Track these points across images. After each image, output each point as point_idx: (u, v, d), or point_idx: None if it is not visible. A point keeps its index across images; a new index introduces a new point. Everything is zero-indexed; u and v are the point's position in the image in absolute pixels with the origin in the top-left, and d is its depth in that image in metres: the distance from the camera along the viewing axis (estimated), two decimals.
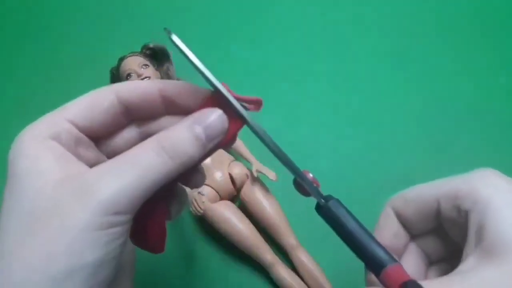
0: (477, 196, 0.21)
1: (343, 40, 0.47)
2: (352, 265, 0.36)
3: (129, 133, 0.23)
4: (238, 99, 0.21)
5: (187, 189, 0.36)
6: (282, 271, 0.34)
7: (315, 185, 0.23)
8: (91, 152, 0.22)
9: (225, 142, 0.21)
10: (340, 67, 0.45)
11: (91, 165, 0.20)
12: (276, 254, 0.35)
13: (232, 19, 0.48)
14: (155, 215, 0.22)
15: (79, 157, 0.20)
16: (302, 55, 0.46)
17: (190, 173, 0.22)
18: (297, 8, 0.49)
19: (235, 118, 0.21)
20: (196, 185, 0.23)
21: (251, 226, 0.35)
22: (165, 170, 0.19)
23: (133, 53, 0.41)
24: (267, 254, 0.35)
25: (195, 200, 0.35)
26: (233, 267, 0.36)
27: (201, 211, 0.35)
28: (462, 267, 0.20)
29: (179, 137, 0.19)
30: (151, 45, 0.40)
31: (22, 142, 0.19)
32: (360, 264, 0.37)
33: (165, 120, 0.23)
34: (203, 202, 0.35)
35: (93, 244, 0.17)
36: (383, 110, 0.43)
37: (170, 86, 0.22)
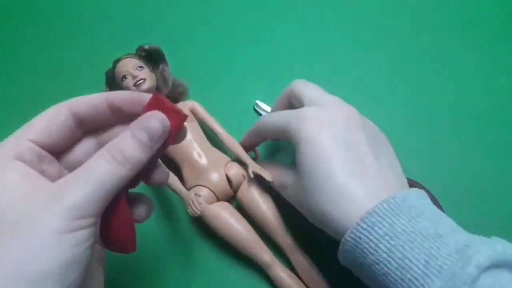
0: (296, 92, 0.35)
1: (343, 40, 0.47)
2: None
3: (87, 145, 0.26)
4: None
5: (185, 190, 0.36)
6: (280, 271, 0.34)
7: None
8: (54, 167, 0.24)
9: (173, 139, 0.23)
10: (340, 68, 0.45)
11: (55, 179, 0.22)
12: (274, 254, 0.35)
13: (232, 19, 0.48)
14: (118, 214, 0.23)
15: (43, 173, 0.23)
16: (302, 55, 0.46)
17: (149, 171, 0.24)
18: (297, 8, 0.49)
19: (175, 116, 0.23)
20: (160, 181, 0.25)
21: (248, 226, 0.35)
22: (118, 175, 0.21)
23: (128, 55, 0.40)
24: (264, 254, 0.35)
25: (192, 201, 0.35)
26: (231, 268, 0.36)
27: (198, 212, 0.35)
28: None
29: (125, 143, 0.22)
30: (146, 47, 0.40)
31: None
32: None
33: (117, 129, 0.26)
34: (200, 203, 0.35)
35: (62, 247, 0.19)
36: (383, 110, 0.43)
37: (115, 96, 0.24)
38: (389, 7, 0.49)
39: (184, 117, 0.24)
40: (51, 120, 0.23)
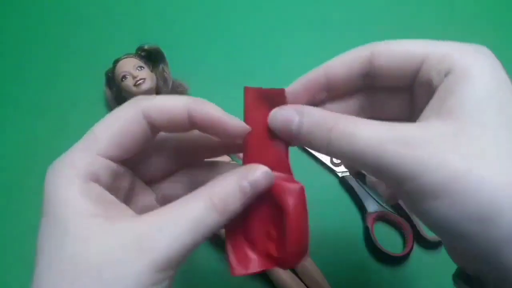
0: (461, 65, 0.20)
1: (343, 40, 0.47)
2: (351, 266, 0.36)
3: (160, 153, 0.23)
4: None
5: None
6: (281, 273, 0.34)
7: None
8: (126, 180, 0.22)
9: None
10: None
11: (128, 194, 0.21)
12: None
13: (232, 19, 0.48)
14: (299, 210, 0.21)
15: (117, 191, 0.21)
16: (302, 55, 0.46)
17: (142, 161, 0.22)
18: (297, 8, 0.49)
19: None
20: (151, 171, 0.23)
21: None
22: (214, 225, 0.19)
23: (128, 55, 0.41)
24: None
25: None
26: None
27: None
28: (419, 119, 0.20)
29: (228, 193, 0.19)
30: (145, 47, 0.40)
31: (59, 182, 0.19)
32: (358, 264, 0.37)
33: (194, 133, 0.23)
34: None
35: None
36: None
37: (200, 114, 0.21)
38: (389, 7, 0.49)
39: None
40: (124, 130, 0.20)
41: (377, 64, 0.23)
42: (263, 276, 0.35)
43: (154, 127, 0.21)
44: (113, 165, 0.20)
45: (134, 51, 0.41)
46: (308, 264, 0.34)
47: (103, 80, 0.42)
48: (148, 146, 0.22)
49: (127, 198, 0.22)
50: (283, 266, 0.22)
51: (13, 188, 0.38)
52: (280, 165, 0.22)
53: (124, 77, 0.39)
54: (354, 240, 0.37)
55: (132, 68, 0.39)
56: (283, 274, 0.34)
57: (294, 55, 0.46)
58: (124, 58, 0.40)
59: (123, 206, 0.20)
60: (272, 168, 0.21)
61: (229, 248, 0.22)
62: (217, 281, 0.36)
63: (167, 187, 0.24)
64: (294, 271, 0.35)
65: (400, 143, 0.18)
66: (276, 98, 0.23)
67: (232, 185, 0.20)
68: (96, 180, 0.19)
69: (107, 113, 0.21)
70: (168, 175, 0.24)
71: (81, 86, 0.44)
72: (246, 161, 0.22)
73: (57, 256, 0.17)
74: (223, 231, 0.22)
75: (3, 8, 0.50)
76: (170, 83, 0.40)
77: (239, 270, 0.22)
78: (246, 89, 0.22)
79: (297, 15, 0.49)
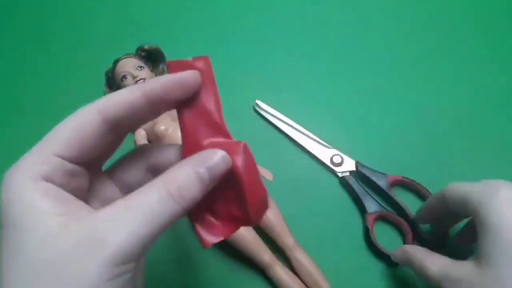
0: (485, 209, 0.26)
1: (343, 40, 0.47)
2: (350, 265, 0.36)
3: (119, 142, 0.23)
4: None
5: None
6: (280, 272, 0.34)
7: None
8: (84, 181, 0.21)
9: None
10: (340, 68, 0.45)
11: (86, 194, 0.21)
12: (275, 255, 0.35)
13: (232, 19, 0.48)
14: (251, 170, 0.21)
15: (75, 191, 0.20)
16: (303, 55, 0.46)
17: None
18: (297, 8, 0.49)
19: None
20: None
21: (249, 227, 0.35)
22: (171, 215, 0.19)
23: (128, 55, 0.41)
24: (265, 255, 0.34)
25: None
26: (231, 268, 0.36)
27: None
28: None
29: (185, 181, 0.19)
30: (145, 47, 0.40)
31: (13, 186, 0.18)
32: (358, 264, 0.37)
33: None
34: None
35: None
36: (383, 110, 0.43)
37: (154, 88, 0.21)
38: (389, 7, 0.49)
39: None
40: (79, 131, 0.20)
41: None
42: (263, 276, 0.35)
43: (113, 124, 0.20)
44: (69, 165, 0.20)
45: (134, 51, 0.41)
46: (307, 264, 0.34)
47: (103, 80, 0.42)
48: (113, 145, 0.22)
49: (89, 196, 0.22)
50: (248, 224, 0.22)
51: None
52: (219, 131, 0.22)
53: (124, 77, 0.39)
54: (353, 240, 0.37)
55: (132, 68, 0.39)
56: (283, 274, 0.34)
57: (295, 55, 0.46)
58: (124, 58, 0.40)
59: (80, 203, 0.20)
60: (212, 135, 0.22)
61: (193, 222, 0.22)
62: (216, 281, 0.36)
63: (127, 175, 0.24)
64: (292, 269, 0.35)
65: (453, 281, 0.26)
66: (201, 65, 0.22)
67: (188, 172, 0.20)
68: (50, 180, 0.19)
69: None
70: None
71: (81, 86, 0.44)
72: (184, 136, 0.22)
73: (16, 258, 0.17)
74: None
75: (2, 8, 0.50)
76: None
77: (210, 240, 0.22)
78: (168, 64, 0.22)
79: (297, 15, 0.49)
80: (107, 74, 0.42)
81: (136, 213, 0.18)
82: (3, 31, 0.49)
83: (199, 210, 0.22)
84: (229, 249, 0.36)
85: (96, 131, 0.20)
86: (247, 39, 0.47)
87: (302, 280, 0.34)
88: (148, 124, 0.38)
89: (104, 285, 0.17)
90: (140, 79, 0.39)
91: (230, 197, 0.22)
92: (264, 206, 0.22)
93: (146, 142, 0.38)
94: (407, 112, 0.43)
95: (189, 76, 0.21)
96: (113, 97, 0.21)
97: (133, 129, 0.22)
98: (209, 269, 0.37)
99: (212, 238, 0.22)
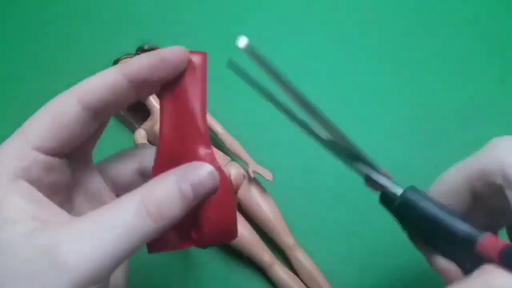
0: (504, 170, 0.20)
1: (343, 40, 0.47)
2: (350, 265, 0.36)
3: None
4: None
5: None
6: (280, 272, 0.34)
7: (388, 177, 0.23)
8: (67, 171, 0.20)
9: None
10: (340, 68, 0.45)
11: (68, 184, 0.20)
12: (274, 255, 0.35)
13: (232, 19, 0.48)
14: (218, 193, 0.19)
15: (55, 184, 0.19)
16: (301, 55, 0.46)
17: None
18: (297, 9, 0.49)
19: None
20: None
21: (249, 226, 0.35)
22: (146, 234, 0.17)
23: (127, 55, 0.41)
24: (265, 255, 0.34)
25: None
26: (231, 268, 0.36)
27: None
28: None
29: (165, 198, 0.17)
30: (145, 47, 0.40)
31: None
32: (359, 264, 0.37)
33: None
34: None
35: None
36: (383, 110, 0.43)
37: (137, 67, 0.19)
38: (390, 7, 0.49)
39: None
40: (57, 120, 0.18)
41: None
42: (263, 276, 0.35)
43: (94, 111, 0.19)
44: (48, 158, 0.18)
45: (134, 51, 0.41)
46: (307, 264, 0.34)
47: None
48: (96, 133, 0.20)
49: (72, 189, 0.21)
50: (199, 247, 0.20)
51: None
52: (199, 136, 0.20)
53: None
54: (354, 239, 0.37)
55: None
56: (283, 274, 0.34)
57: (295, 55, 0.46)
58: (124, 58, 0.40)
59: (54, 207, 0.18)
60: (191, 139, 0.20)
61: None
62: (216, 281, 0.36)
63: (117, 174, 0.23)
64: (292, 269, 0.35)
65: None
66: (196, 59, 0.20)
67: (170, 188, 0.18)
68: (28, 176, 0.18)
69: None
70: None
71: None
72: (161, 130, 0.20)
73: None
74: None
75: (2, 7, 0.50)
76: None
77: (156, 248, 0.20)
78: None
79: (298, 15, 0.49)
80: None
81: (106, 230, 0.16)
82: (2, 30, 0.49)
83: None
84: (229, 249, 0.36)
85: (76, 119, 0.19)
86: (250, 40, 0.47)
87: (302, 280, 0.34)
88: (148, 124, 0.38)
89: None
90: None
91: (194, 212, 0.19)
92: (223, 237, 0.20)
93: (145, 142, 0.38)
94: (407, 111, 0.43)
95: (174, 52, 0.19)
96: (92, 81, 0.19)
97: (116, 112, 0.21)
98: (209, 269, 0.37)
99: (158, 247, 0.20)
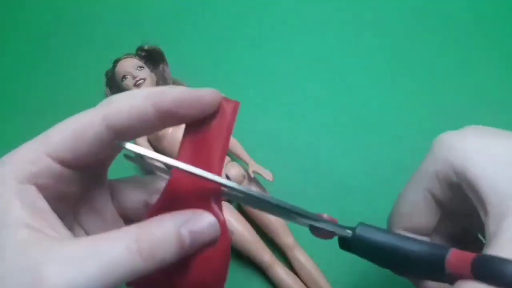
0: (454, 169, 0.20)
1: (343, 40, 0.47)
2: (350, 265, 0.36)
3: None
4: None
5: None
6: (280, 272, 0.34)
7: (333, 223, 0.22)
8: (78, 184, 0.20)
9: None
10: (339, 68, 0.45)
11: (76, 198, 0.20)
12: (274, 255, 0.35)
13: (232, 20, 0.48)
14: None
15: (63, 195, 0.19)
16: (302, 55, 0.46)
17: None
18: (297, 9, 0.49)
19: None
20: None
21: (249, 226, 0.35)
22: (134, 272, 0.16)
23: (128, 55, 0.41)
24: (265, 255, 0.34)
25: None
26: (231, 268, 0.36)
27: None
28: (488, 233, 0.19)
29: (161, 238, 0.17)
30: (145, 47, 0.40)
31: None
32: (359, 264, 0.37)
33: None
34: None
35: None
36: (383, 110, 0.43)
37: (167, 99, 0.19)
38: (390, 7, 0.49)
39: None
40: (80, 133, 0.18)
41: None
42: (263, 276, 0.35)
43: (117, 132, 0.19)
44: (58, 167, 0.18)
45: (134, 51, 0.41)
46: (307, 264, 0.34)
47: (103, 80, 0.42)
48: (113, 153, 0.20)
49: (79, 202, 0.21)
50: None
51: None
52: (212, 186, 0.19)
53: (124, 77, 0.39)
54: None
55: (132, 68, 0.39)
56: (283, 274, 0.34)
57: (295, 56, 0.46)
58: (124, 58, 0.40)
59: (53, 218, 0.18)
60: (204, 188, 0.19)
61: None
62: None
63: (124, 199, 0.22)
64: (292, 269, 0.35)
65: None
66: (228, 106, 0.20)
67: (168, 230, 0.17)
68: (35, 181, 0.18)
69: None
70: None
71: (81, 86, 0.44)
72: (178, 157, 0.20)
73: None
74: None
75: (2, 9, 0.50)
76: (170, 83, 0.40)
77: (135, 285, 0.19)
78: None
79: (298, 15, 0.49)
80: (107, 74, 0.42)
81: (94, 259, 0.16)
82: (3, 30, 0.49)
83: None
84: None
85: (98, 136, 0.18)
86: (247, 39, 0.47)
87: (302, 280, 0.34)
88: None
89: None
90: (140, 79, 0.39)
91: (185, 261, 0.18)
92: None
93: (146, 142, 0.38)
94: (407, 111, 0.43)
95: (207, 95, 0.19)
96: (120, 103, 0.19)
97: (138, 137, 0.21)
98: None
99: (139, 285, 0.18)
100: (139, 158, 0.18)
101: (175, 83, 0.41)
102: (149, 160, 0.18)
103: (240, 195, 0.19)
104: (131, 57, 0.40)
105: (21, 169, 0.17)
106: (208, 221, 0.18)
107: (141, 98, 0.19)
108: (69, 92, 0.44)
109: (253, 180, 0.36)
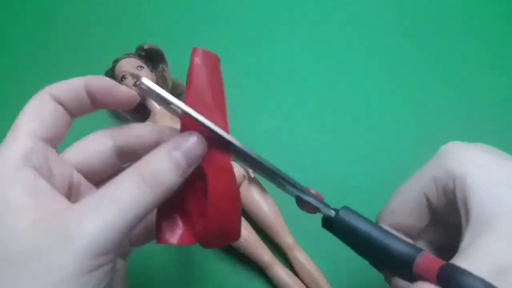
0: (454, 176, 0.21)
1: (343, 40, 0.47)
2: (350, 265, 0.36)
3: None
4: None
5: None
6: (280, 272, 0.34)
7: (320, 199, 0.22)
8: (59, 163, 0.21)
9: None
10: (340, 68, 0.45)
11: (66, 178, 0.20)
12: (274, 255, 0.35)
13: (232, 20, 0.48)
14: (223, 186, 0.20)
15: (52, 176, 0.20)
16: (301, 56, 0.46)
17: None
18: (297, 8, 0.49)
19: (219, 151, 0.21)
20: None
21: (249, 226, 0.35)
22: (147, 202, 0.18)
23: (127, 55, 0.41)
24: (265, 255, 0.34)
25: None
26: (231, 268, 0.36)
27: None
28: (461, 246, 0.20)
29: (159, 165, 0.19)
30: (145, 47, 0.40)
31: None
32: (359, 264, 0.37)
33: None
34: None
35: (86, 286, 0.16)
36: (383, 110, 0.43)
37: (94, 81, 0.22)
38: (390, 7, 0.49)
39: (228, 150, 0.22)
40: (41, 110, 0.21)
41: None
42: (263, 276, 0.35)
43: (66, 108, 0.21)
44: (45, 146, 0.20)
45: (134, 51, 0.41)
46: (307, 264, 0.34)
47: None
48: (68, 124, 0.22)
49: (73, 183, 0.22)
50: (203, 244, 0.21)
51: None
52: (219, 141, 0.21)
53: (124, 77, 0.39)
54: None
55: (132, 68, 0.39)
56: (283, 274, 0.34)
57: (295, 56, 0.46)
58: (124, 58, 0.40)
59: (57, 195, 0.19)
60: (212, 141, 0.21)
61: (159, 214, 0.21)
62: (216, 281, 0.36)
63: (90, 159, 0.23)
64: (292, 269, 0.35)
65: None
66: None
67: (163, 157, 0.19)
68: (30, 162, 0.19)
69: (107, 112, 0.21)
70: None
71: None
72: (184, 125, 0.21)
73: None
74: None
75: (2, 8, 0.50)
76: (170, 83, 0.40)
77: (165, 240, 0.21)
78: (195, 51, 0.22)
79: (298, 15, 0.49)
80: (107, 74, 0.42)
81: (109, 204, 0.17)
82: (3, 30, 0.49)
83: (168, 208, 0.21)
84: (229, 249, 0.36)
85: (54, 110, 0.21)
86: (247, 39, 0.47)
87: (302, 280, 0.34)
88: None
89: (80, 278, 0.16)
90: None
91: (202, 209, 0.20)
92: (227, 235, 0.21)
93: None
94: (407, 111, 0.43)
95: (122, 91, 0.23)
96: (63, 82, 0.22)
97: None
98: (209, 269, 0.37)
99: (167, 239, 0.21)
100: (152, 93, 0.20)
101: (175, 83, 0.41)
102: (160, 98, 0.20)
103: (237, 149, 0.21)
104: (131, 56, 0.40)
105: (13, 156, 0.19)
106: (194, 138, 0.20)
107: (78, 78, 0.22)
108: None
109: (253, 180, 0.36)
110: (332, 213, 0.22)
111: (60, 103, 0.21)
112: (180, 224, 0.21)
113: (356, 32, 0.47)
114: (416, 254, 0.20)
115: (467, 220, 0.20)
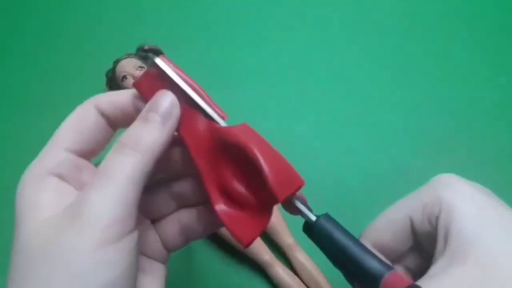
0: (442, 204, 0.22)
1: (343, 40, 0.47)
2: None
3: None
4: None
5: None
6: (280, 271, 0.34)
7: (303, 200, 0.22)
8: (91, 171, 0.22)
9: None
10: (339, 67, 0.45)
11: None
12: (274, 255, 0.35)
13: (232, 20, 0.48)
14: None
15: (81, 185, 0.21)
16: (301, 56, 0.46)
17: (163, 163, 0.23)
18: (297, 9, 0.49)
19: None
20: (174, 171, 0.24)
21: None
22: (142, 165, 0.19)
23: (128, 55, 0.41)
24: (265, 254, 0.35)
25: None
26: (231, 268, 0.36)
27: None
28: (432, 270, 0.21)
29: (138, 130, 0.20)
30: (145, 47, 0.40)
31: (23, 184, 0.20)
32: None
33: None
34: None
35: (105, 261, 0.17)
36: (383, 110, 0.43)
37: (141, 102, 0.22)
38: (390, 7, 0.49)
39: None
40: (80, 124, 0.21)
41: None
42: (263, 276, 0.35)
43: (110, 120, 0.22)
44: (76, 158, 0.21)
45: (134, 51, 0.41)
46: (307, 264, 0.34)
47: (103, 80, 0.42)
48: (107, 137, 0.23)
49: None
50: (275, 201, 0.21)
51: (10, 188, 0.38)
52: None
53: (124, 77, 0.39)
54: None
55: (133, 68, 0.39)
56: (283, 274, 0.34)
57: (296, 56, 0.46)
58: (124, 58, 0.40)
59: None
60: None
61: (227, 224, 0.21)
62: (216, 281, 0.36)
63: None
64: (292, 269, 0.35)
65: None
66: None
67: (138, 123, 0.20)
68: (59, 174, 0.20)
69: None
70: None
71: (81, 86, 0.44)
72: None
73: (14, 247, 0.18)
74: (224, 230, 0.21)
75: (4, 8, 0.50)
76: None
77: (247, 239, 0.21)
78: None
79: (298, 15, 0.49)
80: (107, 74, 0.42)
81: (106, 178, 0.19)
82: (4, 30, 0.49)
83: (227, 206, 0.21)
84: (229, 249, 0.36)
85: (96, 123, 0.22)
86: (247, 39, 0.47)
87: (302, 280, 0.34)
88: None
89: (104, 249, 0.17)
90: None
91: (253, 185, 0.21)
92: (291, 183, 0.21)
93: None
94: (406, 111, 0.43)
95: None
96: (109, 95, 0.22)
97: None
98: (209, 269, 0.37)
99: (248, 238, 0.21)
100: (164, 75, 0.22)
101: None
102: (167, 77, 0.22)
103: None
104: (132, 57, 0.40)
105: (44, 165, 0.20)
106: (161, 94, 0.21)
107: (126, 94, 0.22)
108: (69, 92, 0.44)
109: None
110: (314, 218, 0.22)
111: (104, 115, 0.22)
112: (239, 212, 0.21)
113: (356, 32, 0.47)
114: (386, 271, 0.20)
115: (445, 247, 0.21)
